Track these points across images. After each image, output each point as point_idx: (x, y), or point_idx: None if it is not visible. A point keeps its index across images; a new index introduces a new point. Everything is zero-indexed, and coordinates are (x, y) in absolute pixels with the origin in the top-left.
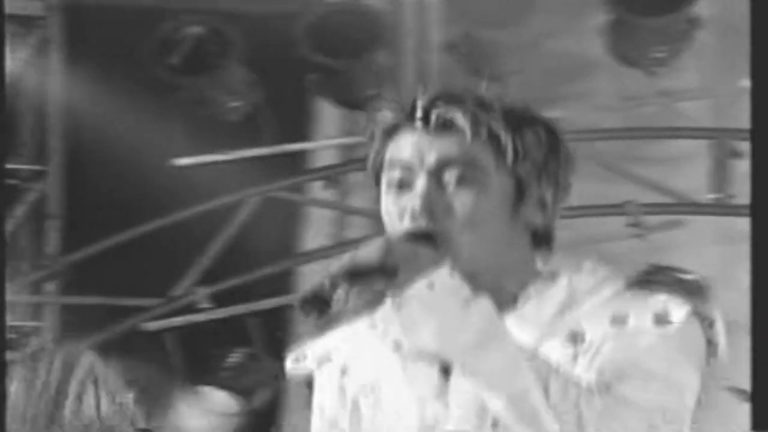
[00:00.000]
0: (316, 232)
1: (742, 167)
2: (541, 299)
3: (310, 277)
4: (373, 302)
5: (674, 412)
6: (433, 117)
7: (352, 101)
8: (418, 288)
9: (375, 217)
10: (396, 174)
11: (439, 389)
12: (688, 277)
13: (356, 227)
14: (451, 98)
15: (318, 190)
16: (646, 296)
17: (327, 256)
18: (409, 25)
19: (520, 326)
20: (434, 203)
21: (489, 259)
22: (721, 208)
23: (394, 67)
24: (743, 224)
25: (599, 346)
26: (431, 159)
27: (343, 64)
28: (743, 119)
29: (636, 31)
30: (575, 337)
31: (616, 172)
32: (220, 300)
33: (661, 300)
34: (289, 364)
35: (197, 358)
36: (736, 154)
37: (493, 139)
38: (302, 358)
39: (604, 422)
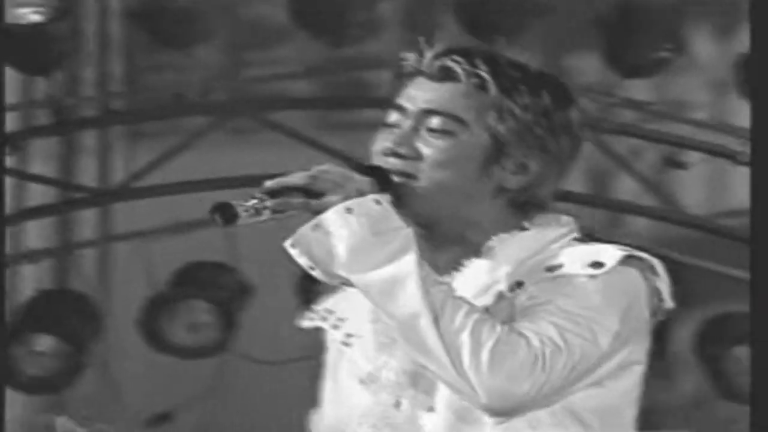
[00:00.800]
0: None
1: None
2: (501, 249)
3: None
4: (284, 212)
5: (584, 354)
6: (434, 65)
7: (34, 66)
8: (336, 210)
9: (55, 184)
10: (393, 115)
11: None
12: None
13: (37, 194)
14: (461, 51)
15: None
16: (589, 246)
17: (6, 224)
18: None
19: (476, 275)
20: (405, 144)
21: (445, 208)
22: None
23: (76, 34)
24: None
25: (531, 291)
26: (418, 105)
27: (25, 29)
28: None
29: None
30: (517, 285)
31: (303, 141)
32: None
33: (598, 247)
34: (303, 321)
35: None
36: None
37: (481, 93)
38: (315, 315)
39: (495, 350)
